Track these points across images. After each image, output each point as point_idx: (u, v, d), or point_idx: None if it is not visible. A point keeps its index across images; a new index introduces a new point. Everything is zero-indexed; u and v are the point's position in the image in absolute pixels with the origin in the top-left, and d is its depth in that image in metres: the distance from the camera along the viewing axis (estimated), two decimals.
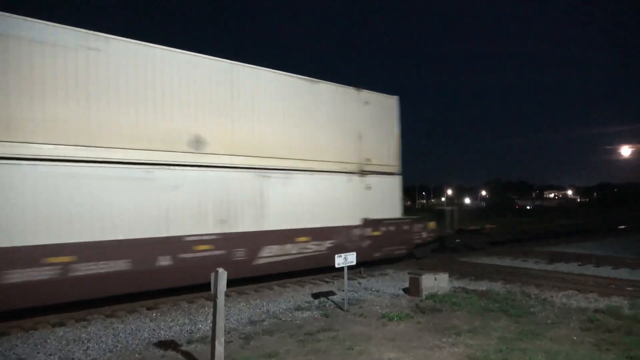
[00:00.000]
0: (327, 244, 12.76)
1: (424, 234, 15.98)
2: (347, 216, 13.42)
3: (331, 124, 13.33)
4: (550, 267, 14.20)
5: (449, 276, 10.89)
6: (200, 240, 10.28)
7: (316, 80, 13.14)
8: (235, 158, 11.10)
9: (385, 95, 15.11)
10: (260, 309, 9.34)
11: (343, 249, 12.14)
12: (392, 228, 14.63)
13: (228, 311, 8.87)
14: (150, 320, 8.61)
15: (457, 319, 8.15)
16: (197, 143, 10.47)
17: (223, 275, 5.87)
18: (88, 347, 7.07)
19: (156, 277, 9.65)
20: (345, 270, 9.28)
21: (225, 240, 10.71)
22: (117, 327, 8.14)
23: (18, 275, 8.07)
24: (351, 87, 14.06)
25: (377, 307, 9.24)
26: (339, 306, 9.28)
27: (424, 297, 9.80)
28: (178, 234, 9.97)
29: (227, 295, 9.17)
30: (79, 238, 8.74)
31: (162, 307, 9.60)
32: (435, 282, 10.17)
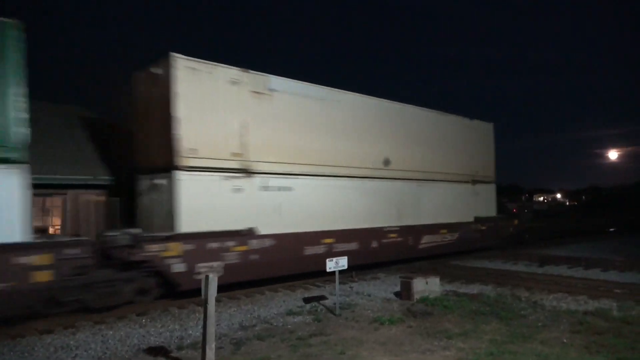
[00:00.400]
0: (456, 235, 17.55)
1: (511, 229, 21.00)
2: (465, 215, 18.12)
3: (454, 144, 17.90)
4: (540, 270, 14.31)
5: (440, 279, 10.90)
6: (391, 230, 14.95)
7: (445, 113, 17.72)
8: (405, 172, 15.74)
9: (485, 122, 19.80)
10: (251, 314, 9.28)
11: (464, 239, 17.87)
12: (492, 224, 19.50)
13: (219, 316, 8.80)
14: (140, 327, 8.51)
15: (449, 323, 8.16)
16: (386, 162, 15.08)
17: (213, 280, 5.83)
18: (76, 355, 6.98)
19: (369, 255, 14.11)
20: (337, 274, 9.27)
21: (403, 230, 15.32)
22: (106, 334, 8.03)
23: (309, 250, 12.54)
24: (466, 118, 18.71)
25: (369, 311, 9.23)
26: (330, 310, 9.26)
27: (415, 301, 9.81)
28: (379, 225, 14.57)
29: (217, 300, 9.09)
30: (336, 227, 13.28)
31: (152, 313, 9.50)
32: (427, 286, 10.18)
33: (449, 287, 11.57)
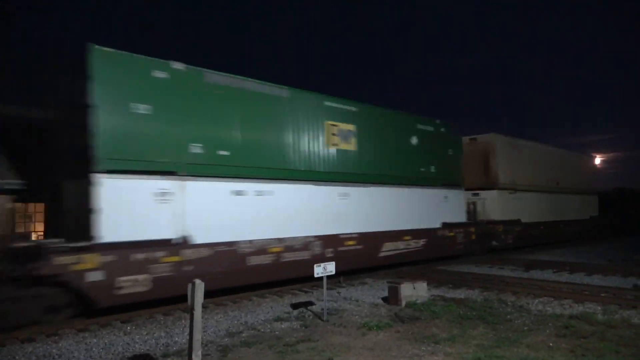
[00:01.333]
0: (584, 227, 28.45)
1: (605, 225, 31.86)
2: (584, 214, 28.74)
3: (579, 169, 28.66)
4: (526, 275, 14.43)
5: (428, 284, 10.93)
6: (561, 222, 25.85)
7: (574, 152, 29.71)
8: (562, 188, 26.03)
9: (592, 155, 31.88)
10: (238, 320, 9.20)
11: (587, 230, 28.71)
12: (600, 221, 31.04)
13: (205, 323, 8.71)
14: (125, 334, 8.38)
15: (436, 327, 8.18)
16: (557, 183, 25.48)
17: (200, 286, 5.75)
18: None
19: (555, 236, 24.94)
20: (324, 280, 9.24)
21: (565, 223, 26.31)
22: (90, 342, 7.89)
23: (535, 232, 23.26)
24: (575, 152, 29.81)
25: (357, 316, 9.21)
26: (318, 316, 9.22)
27: (403, 306, 9.81)
28: (557, 219, 25.33)
29: (204, 306, 9.02)
30: (544, 219, 24.10)
31: (137, 320, 9.36)
32: (414, 291, 10.20)
33: (436, 292, 11.61)
